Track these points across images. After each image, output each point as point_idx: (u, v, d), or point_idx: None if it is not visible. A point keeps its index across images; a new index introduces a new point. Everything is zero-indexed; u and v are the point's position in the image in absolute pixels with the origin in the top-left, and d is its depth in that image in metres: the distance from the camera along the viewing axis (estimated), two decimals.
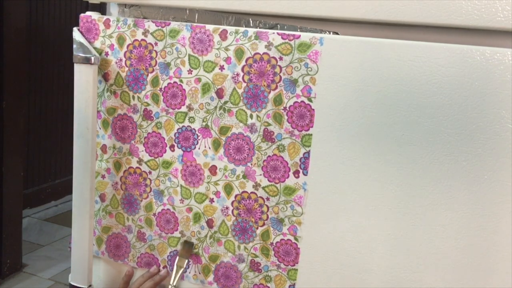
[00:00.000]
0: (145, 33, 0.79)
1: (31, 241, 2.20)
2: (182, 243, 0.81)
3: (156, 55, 0.79)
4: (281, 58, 0.71)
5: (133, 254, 0.86)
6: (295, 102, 0.71)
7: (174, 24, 0.77)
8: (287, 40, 0.70)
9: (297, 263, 0.75)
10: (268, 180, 0.74)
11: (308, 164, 0.72)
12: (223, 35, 0.74)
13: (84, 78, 0.79)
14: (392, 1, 0.65)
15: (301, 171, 0.72)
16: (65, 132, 2.73)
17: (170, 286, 0.79)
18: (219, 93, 0.75)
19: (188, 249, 0.80)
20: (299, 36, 0.70)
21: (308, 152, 0.72)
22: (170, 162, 0.80)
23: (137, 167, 0.83)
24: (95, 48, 0.82)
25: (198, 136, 0.78)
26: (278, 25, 0.74)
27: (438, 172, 0.66)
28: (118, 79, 0.82)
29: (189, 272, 0.82)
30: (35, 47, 2.51)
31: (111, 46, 0.81)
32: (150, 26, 0.78)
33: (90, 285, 0.84)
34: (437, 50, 0.64)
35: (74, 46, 0.81)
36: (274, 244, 0.76)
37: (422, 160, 0.66)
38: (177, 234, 0.82)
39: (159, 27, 0.78)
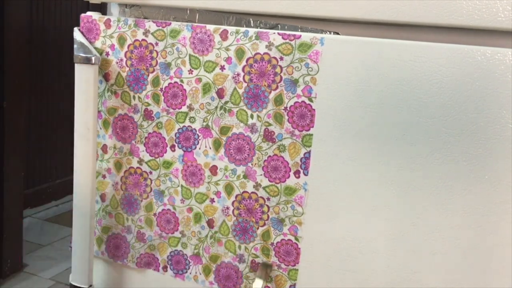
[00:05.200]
0: (145, 33, 0.79)
1: (32, 241, 2.20)
2: (260, 265, 0.76)
3: (157, 55, 0.79)
4: (281, 58, 0.71)
5: (132, 255, 0.86)
6: (295, 102, 0.71)
7: (174, 24, 0.77)
8: (287, 40, 0.70)
9: (297, 263, 0.75)
10: (269, 180, 0.74)
11: (308, 164, 0.72)
12: (224, 35, 0.74)
13: (84, 78, 0.79)
14: (393, 1, 0.65)
15: (301, 171, 0.72)
16: (65, 132, 2.73)
17: None
18: (220, 93, 0.75)
19: (266, 271, 0.76)
20: (299, 36, 0.70)
21: (309, 152, 0.72)
22: (171, 162, 0.81)
23: (137, 167, 0.83)
24: (95, 48, 0.82)
25: (198, 136, 0.78)
26: (279, 25, 0.74)
27: (438, 172, 0.66)
28: (119, 79, 0.82)
29: (190, 273, 0.82)
30: (36, 47, 2.51)
31: (112, 46, 0.82)
32: (151, 26, 0.78)
33: (90, 285, 0.85)
34: (438, 50, 0.64)
35: (75, 46, 0.81)
36: (275, 244, 0.76)
37: (423, 160, 0.66)
38: (177, 234, 0.82)
39: (160, 27, 0.78)
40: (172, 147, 0.80)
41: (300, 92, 0.71)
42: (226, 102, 0.75)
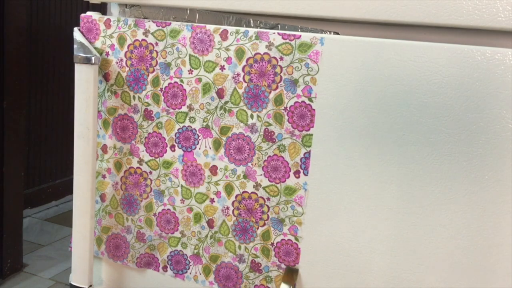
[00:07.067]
0: (145, 33, 0.79)
1: (32, 241, 2.20)
2: (286, 269, 0.75)
3: (157, 55, 0.79)
4: (281, 58, 0.71)
5: (132, 255, 0.86)
6: (295, 102, 0.71)
7: (174, 24, 0.77)
8: (287, 40, 0.70)
9: (297, 263, 0.75)
10: (269, 180, 0.74)
11: (308, 164, 0.72)
12: (224, 35, 0.74)
13: (84, 78, 0.79)
14: (393, 1, 0.65)
15: (301, 171, 0.72)
16: (65, 132, 2.73)
17: None
18: (220, 93, 0.75)
19: (292, 276, 0.74)
20: (299, 36, 0.70)
21: (309, 152, 0.72)
22: (171, 162, 0.81)
23: (137, 167, 0.83)
24: (95, 48, 0.82)
25: (198, 136, 0.78)
26: (279, 25, 0.74)
27: (438, 172, 0.66)
28: (119, 79, 0.82)
29: (190, 273, 0.82)
30: (36, 47, 2.51)
31: (112, 46, 0.81)
32: (151, 26, 0.78)
33: (90, 285, 0.85)
34: (437, 50, 0.64)
35: (75, 46, 0.81)
36: (275, 244, 0.76)
37: (423, 160, 0.66)
38: (177, 234, 0.82)
39: (160, 27, 0.78)
40: (172, 147, 0.80)
41: (300, 92, 0.71)
42: (226, 102, 0.75)
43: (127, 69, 0.81)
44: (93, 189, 0.83)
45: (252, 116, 0.74)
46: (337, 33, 0.71)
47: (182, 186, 0.80)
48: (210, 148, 0.78)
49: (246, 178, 0.76)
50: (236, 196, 0.77)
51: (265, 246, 0.76)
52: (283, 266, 0.75)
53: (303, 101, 0.71)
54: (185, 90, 0.78)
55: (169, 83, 0.79)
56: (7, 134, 1.88)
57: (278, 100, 0.72)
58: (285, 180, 0.73)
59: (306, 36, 0.69)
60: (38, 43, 2.54)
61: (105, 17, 0.81)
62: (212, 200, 0.79)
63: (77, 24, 0.84)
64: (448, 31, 0.66)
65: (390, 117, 0.67)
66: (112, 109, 0.84)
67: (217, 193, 0.78)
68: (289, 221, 0.74)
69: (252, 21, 0.75)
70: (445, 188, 0.66)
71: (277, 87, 0.72)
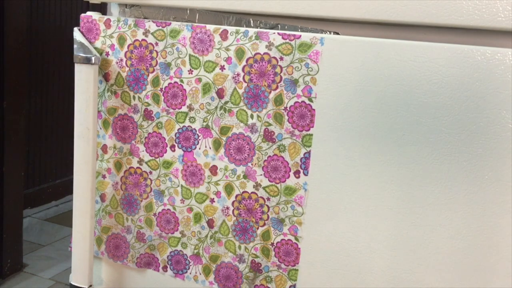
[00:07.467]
0: (145, 33, 0.79)
1: (32, 241, 2.20)
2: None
3: (157, 55, 0.79)
4: (281, 58, 0.71)
5: (132, 255, 0.86)
6: (295, 102, 0.71)
7: (174, 24, 0.77)
8: (287, 40, 0.70)
9: (297, 263, 0.75)
10: (269, 180, 0.74)
11: (308, 164, 0.72)
12: (224, 35, 0.74)
13: (84, 78, 0.79)
14: (393, 1, 0.65)
15: (301, 171, 0.72)
16: (65, 132, 2.73)
17: None
18: (220, 93, 0.75)
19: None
20: (299, 36, 0.70)
21: (309, 152, 0.72)
22: (171, 162, 0.81)
23: (137, 167, 0.83)
24: (95, 48, 0.82)
25: (198, 136, 0.78)
26: (279, 25, 0.74)
27: (438, 172, 0.66)
28: (119, 79, 0.82)
29: (190, 273, 0.82)
30: (36, 47, 2.51)
31: (112, 46, 0.81)
32: (151, 26, 0.78)
33: (90, 285, 0.85)
34: (437, 50, 0.64)
35: (75, 46, 0.81)
36: (275, 244, 0.76)
37: (423, 160, 0.66)
38: (177, 234, 0.82)
39: (160, 27, 0.78)
40: (172, 147, 0.80)
41: (300, 92, 0.71)
42: (226, 102, 0.75)
43: (127, 69, 0.81)
44: (93, 189, 0.83)
45: (252, 116, 0.74)
46: (337, 33, 0.71)
47: (182, 186, 0.80)
48: (210, 148, 0.78)
49: (246, 178, 0.76)
50: (236, 196, 0.77)
51: (265, 246, 0.76)
52: (283, 266, 0.75)
53: (303, 101, 0.71)
54: (185, 90, 0.78)
55: (169, 83, 0.79)
56: (7, 134, 1.87)
57: (278, 100, 0.72)
58: (285, 180, 0.73)
59: (306, 36, 0.69)
60: (38, 43, 2.54)
61: (105, 17, 0.81)
62: (212, 200, 0.79)
63: (77, 24, 0.84)
64: (448, 31, 0.66)
65: (390, 117, 0.67)
66: (112, 109, 0.84)
67: (217, 193, 0.78)
68: (289, 221, 0.74)
69: (252, 21, 0.75)
70: (445, 188, 0.66)
71: (277, 87, 0.72)
